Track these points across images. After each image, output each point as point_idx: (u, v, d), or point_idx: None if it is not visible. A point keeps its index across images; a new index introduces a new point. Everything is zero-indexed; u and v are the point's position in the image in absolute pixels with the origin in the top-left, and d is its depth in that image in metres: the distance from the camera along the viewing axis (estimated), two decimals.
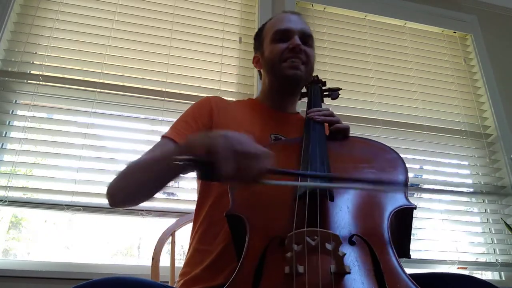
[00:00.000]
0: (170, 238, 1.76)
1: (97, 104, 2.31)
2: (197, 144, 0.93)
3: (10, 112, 2.24)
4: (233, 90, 2.59)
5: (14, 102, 2.28)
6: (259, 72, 1.63)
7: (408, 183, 1.06)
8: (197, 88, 2.50)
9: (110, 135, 2.30)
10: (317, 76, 1.65)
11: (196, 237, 1.32)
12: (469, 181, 2.88)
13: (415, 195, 2.69)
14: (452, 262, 2.45)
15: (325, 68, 2.78)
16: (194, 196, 1.45)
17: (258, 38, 1.61)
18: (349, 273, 0.73)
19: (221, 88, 2.54)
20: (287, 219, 0.90)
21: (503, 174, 2.80)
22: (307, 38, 1.50)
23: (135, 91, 2.41)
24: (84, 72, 2.37)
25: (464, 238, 2.64)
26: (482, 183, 2.84)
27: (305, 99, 1.59)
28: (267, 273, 0.80)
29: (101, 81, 2.35)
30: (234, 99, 2.45)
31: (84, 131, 2.23)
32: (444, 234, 2.56)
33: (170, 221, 1.84)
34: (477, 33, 3.27)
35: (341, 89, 1.62)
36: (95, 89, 2.33)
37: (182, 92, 2.47)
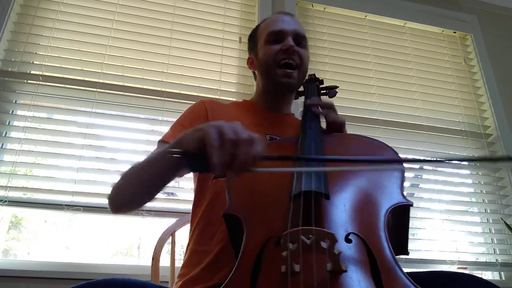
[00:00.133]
0: (170, 238, 1.76)
1: (97, 104, 2.31)
2: (188, 138, 0.93)
3: (10, 112, 2.24)
4: (233, 90, 2.59)
5: (14, 102, 2.28)
6: (254, 73, 1.64)
7: (404, 181, 1.06)
8: (197, 88, 2.50)
9: (110, 135, 2.30)
10: (314, 74, 1.65)
11: (193, 238, 1.32)
12: (469, 181, 2.88)
13: (415, 195, 2.69)
14: (452, 262, 2.45)
15: (325, 68, 2.78)
16: (193, 196, 1.45)
17: (252, 39, 1.63)
18: (345, 271, 0.73)
19: (221, 88, 2.55)
20: (283, 218, 0.90)
21: (503, 174, 2.80)
22: (300, 39, 1.51)
23: (135, 91, 2.41)
24: (84, 72, 2.38)
25: (464, 238, 2.64)
26: (482, 183, 2.83)
27: (302, 98, 1.60)
28: (264, 273, 0.80)
29: (101, 81, 2.36)
30: (234, 99, 2.47)
31: (84, 131, 2.23)
32: (444, 234, 2.55)
33: (170, 221, 1.84)
34: (477, 33, 3.27)
35: (338, 87, 1.63)
36: (95, 89, 2.33)
37: (182, 92, 2.47)
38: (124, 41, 2.49)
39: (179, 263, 1.62)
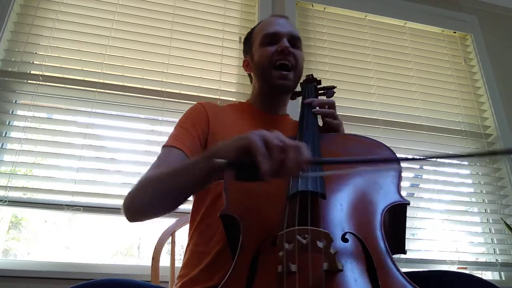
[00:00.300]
0: (170, 238, 1.76)
1: (97, 104, 2.31)
2: (228, 147, 0.94)
3: (10, 112, 2.25)
4: (233, 90, 2.59)
5: (14, 102, 2.29)
6: (249, 75, 1.65)
7: (401, 179, 1.06)
8: (197, 88, 2.50)
9: (110, 135, 2.31)
10: (311, 74, 1.66)
11: (193, 239, 1.33)
12: (469, 181, 2.88)
13: (415, 195, 2.69)
14: (452, 262, 2.45)
15: (325, 68, 2.78)
16: (193, 197, 1.45)
17: (248, 42, 1.65)
18: (341, 270, 0.73)
19: (221, 88, 2.55)
20: (279, 218, 0.90)
21: (503, 174, 2.80)
22: (295, 40, 1.52)
23: (135, 91, 2.41)
24: (84, 72, 2.38)
25: (464, 238, 2.64)
26: (482, 183, 2.83)
27: (300, 98, 1.60)
28: (261, 273, 0.81)
29: (101, 81, 2.36)
30: (234, 99, 2.47)
31: (84, 131, 2.24)
32: (444, 234, 2.55)
33: (170, 221, 1.84)
34: (477, 33, 3.27)
35: (335, 87, 1.63)
36: (95, 89, 2.33)
37: (182, 92, 2.47)
38: (124, 41, 2.49)
39: (179, 263, 1.63)
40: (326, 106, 1.45)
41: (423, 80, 2.98)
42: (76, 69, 2.38)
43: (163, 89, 2.44)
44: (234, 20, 2.78)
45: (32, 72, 2.31)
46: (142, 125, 2.40)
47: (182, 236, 1.81)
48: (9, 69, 2.28)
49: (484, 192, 2.81)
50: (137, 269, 2.06)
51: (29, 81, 2.29)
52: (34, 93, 2.24)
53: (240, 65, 2.61)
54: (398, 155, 1.16)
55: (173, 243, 1.76)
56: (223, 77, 2.58)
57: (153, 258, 1.66)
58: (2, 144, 2.19)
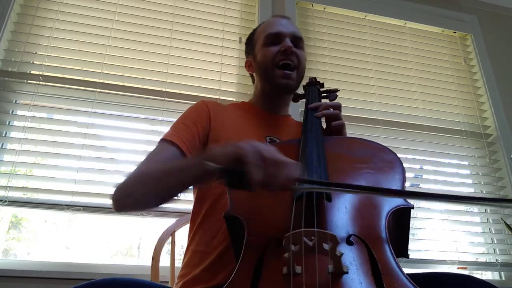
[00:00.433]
0: (170, 238, 1.76)
1: (97, 104, 2.31)
2: (223, 154, 0.94)
3: (10, 112, 2.24)
4: (233, 90, 2.59)
5: (14, 102, 2.28)
6: (251, 75, 1.65)
7: (405, 182, 1.06)
8: (197, 88, 2.50)
9: (110, 135, 2.30)
10: (315, 78, 1.66)
11: (194, 239, 1.33)
12: (469, 181, 2.88)
13: None
14: (452, 262, 2.45)
15: (325, 68, 2.78)
16: (193, 196, 1.45)
17: (250, 42, 1.65)
18: (346, 273, 0.73)
19: (221, 88, 2.54)
20: (285, 220, 0.90)
21: (503, 174, 2.80)
22: (297, 40, 1.52)
23: (135, 91, 2.41)
24: (84, 72, 2.38)
25: (464, 238, 2.64)
26: (482, 183, 2.84)
27: (303, 101, 1.60)
28: (266, 274, 0.81)
29: (101, 81, 2.36)
30: (234, 99, 2.47)
31: (84, 131, 2.23)
32: (444, 234, 2.56)
33: (170, 221, 1.84)
34: (477, 33, 3.27)
35: (338, 90, 1.64)
36: (95, 89, 2.33)
37: (182, 92, 2.47)
38: (124, 41, 2.49)
39: (179, 263, 1.63)
40: (331, 109, 1.45)
41: (423, 80, 2.99)
42: (76, 69, 2.37)
43: (163, 89, 2.44)
44: (234, 20, 2.77)
45: (32, 72, 2.31)
46: (142, 125, 2.39)
47: (182, 236, 1.81)
48: (9, 69, 2.28)
49: (484, 192, 2.82)
50: (137, 269, 2.06)
51: (29, 81, 2.28)
52: (34, 93, 2.24)
53: (240, 65, 2.61)
54: (398, 155, 1.16)
55: (173, 243, 1.75)
56: (223, 77, 2.57)
57: (153, 258, 1.66)
58: (2, 144, 2.18)
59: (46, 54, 2.33)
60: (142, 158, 2.24)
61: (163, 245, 1.73)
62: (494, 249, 2.64)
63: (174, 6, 2.65)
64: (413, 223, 2.55)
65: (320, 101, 1.56)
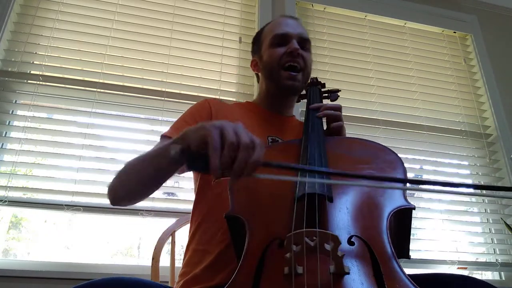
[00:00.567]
0: (170, 238, 1.76)
1: (97, 104, 2.31)
2: (191, 135, 0.92)
3: (10, 112, 2.24)
4: (233, 90, 2.59)
5: (14, 102, 2.28)
6: (257, 75, 1.65)
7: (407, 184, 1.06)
8: (197, 88, 2.50)
9: (110, 135, 2.30)
10: (316, 78, 1.66)
11: (195, 238, 1.33)
12: (469, 181, 2.88)
13: (415, 195, 2.69)
14: (452, 262, 2.45)
15: (325, 68, 2.78)
16: (193, 196, 1.45)
17: (257, 42, 1.64)
18: (348, 273, 0.74)
19: (221, 88, 2.54)
20: (286, 220, 0.90)
21: (503, 174, 2.81)
22: (304, 42, 1.52)
23: (135, 91, 2.41)
24: (84, 72, 2.37)
25: (464, 238, 2.64)
26: (482, 183, 2.83)
27: (305, 101, 1.60)
28: (267, 274, 0.81)
29: (101, 81, 2.35)
30: (234, 99, 2.47)
31: (84, 131, 2.23)
32: (444, 234, 2.56)
33: (170, 221, 1.84)
34: (477, 33, 3.27)
35: (340, 90, 1.64)
36: (95, 89, 2.33)
37: (182, 92, 2.47)
38: (124, 41, 2.49)
39: (179, 263, 1.62)
40: (332, 110, 1.45)
41: (423, 80, 2.99)
42: (76, 69, 2.37)
43: (163, 89, 2.44)
44: (234, 20, 2.77)
45: (32, 72, 2.30)
46: (142, 125, 2.39)
47: (182, 236, 1.81)
48: (9, 69, 2.28)
49: (484, 192, 2.81)
50: (137, 269, 2.06)
51: (29, 81, 2.28)
52: (34, 93, 2.24)
53: (240, 65, 2.62)
54: (398, 155, 1.16)
55: (173, 243, 1.75)
56: (223, 77, 2.57)
57: (153, 258, 1.66)
58: (2, 144, 2.18)
59: (46, 54, 2.33)
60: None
61: (163, 245, 1.72)
62: (494, 249, 2.64)
63: (174, 6, 2.65)
64: (413, 223, 2.51)
65: (321, 101, 1.56)
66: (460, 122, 2.94)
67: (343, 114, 1.49)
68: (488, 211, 2.73)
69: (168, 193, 2.28)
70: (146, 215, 2.13)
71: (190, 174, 1.60)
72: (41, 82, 2.26)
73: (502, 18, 3.49)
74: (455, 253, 2.50)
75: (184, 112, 1.48)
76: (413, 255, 2.43)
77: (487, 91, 3.03)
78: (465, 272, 2.49)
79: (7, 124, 2.22)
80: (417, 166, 2.83)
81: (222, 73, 2.58)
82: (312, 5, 2.97)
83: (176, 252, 1.76)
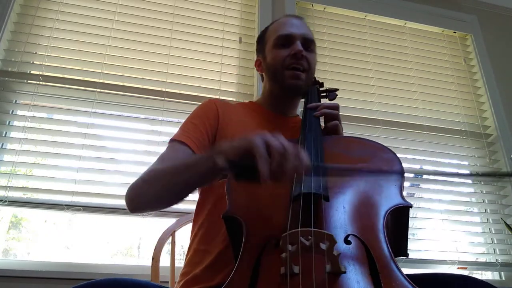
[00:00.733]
0: (170, 238, 1.76)
1: (97, 104, 2.31)
2: (232, 148, 0.94)
3: (10, 112, 2.24)
4: (233, 90, 2.59)
5: (14, 102, 2.28)
6: (261, 75, 1.64)
7: (404, 182, 1.06)
8: (197, 88, 2.50)
9: (110, 135, 2.30)
10: (314, 77, 1.65)
11: (196, 238, 1.33)
12: (469, 181, 2.88)
13: (415, 195, 2.69)
14: (452, 262, 2.45)
15: (325, 68, 2.78)
16: (194, 196, 1.45)
17: (261, 41, 1.62)
18: (344, 272, 0.73)
19: (221, 88, 2.55)
20: (283, 220, 0.90)
21: None
22: (309, 43, 1.50)
23: (135, 91, 2.41)
24: (84, 72, 2.38)
25: (464, 238, 2.64)
26: (482, 183, 2.83)
27: (302, 100, 1.60)
28: (263, 274, 0.81)
29: (101, 81, 2.36)
30: (234, 99, 2.47)
31: (84, 131, 2.23)
32: (444, 234, 2.55)
33: (170, 221, 1.84)
34: (477, 33, 3.27)
35: (338, 89, 1.63)
36: (95, 89, 2.33)
37: (182, 92, 2.47)
38: (124, 41, 2.49)
39: (179, 263, 1.63)
40: (329, 109, 1.44)
41: (423, 80, 2.98)
42: (76, 69, 2.38)
43: (163, 89, 2.44)
44: (234, 20, 2.78)
45: (32, 72, 2.31)
46: (142, 125, 2.40)
47: (182, 236, 1.82)
48: (9, 69, 2.28)
49: (484, 192, 2.81)
50: (137, 269, 2.06)
51: (29, 81, 2.28)
52: (34, 93, 2.24)
53: (240, 65, 2.62)
54: (398, 155, 1.16)
55: (173, 243, 1.75)
56: (223, 77, 2.57)
57: (153, 258, 1.66)
58: (2, 144, 2.18)
59: (46, 54, 2.34)
60: (142, 158, 2.27)
61: (163, 245, 1.73)
62: (494, 249, 2.64)
63: (174, 6, 2.65)
64: (413, 223, 2.55)
65: (320, 100, 1.56)
66: (460, 122, 2.94)
67: (342, 113, 1.48)
68: (488, 211, 2.73)
69: None
70: (146, 215, 2.13)
71: None
72: (41, 82, 2.27)
73: (502, 18, 3.49)
74: (455, 253, 2.50)
75: (188, 113, 1.47)
76: (413, 255, 2.43)
77: (487, 91, 3.02)
78: (465, 272, 2.49)
79: (7, 124, 2.22)
80: (417, 166, 2.82)
81: (222, 73, 2.58)
82: (312, 5, 2.97)
83: (176, 252, 1.76)
